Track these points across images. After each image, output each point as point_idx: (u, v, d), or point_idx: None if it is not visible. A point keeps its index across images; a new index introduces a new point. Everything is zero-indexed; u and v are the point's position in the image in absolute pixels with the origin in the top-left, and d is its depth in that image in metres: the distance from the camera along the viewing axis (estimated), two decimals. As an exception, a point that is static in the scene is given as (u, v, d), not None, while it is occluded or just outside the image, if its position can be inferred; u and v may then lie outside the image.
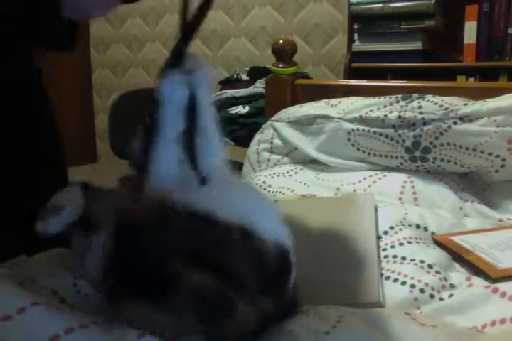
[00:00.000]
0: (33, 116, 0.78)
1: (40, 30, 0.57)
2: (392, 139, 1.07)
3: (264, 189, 1.12)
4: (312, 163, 1.22)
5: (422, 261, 0.71)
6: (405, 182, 1.03)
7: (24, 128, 0.76)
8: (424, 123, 1.03)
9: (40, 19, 0.55)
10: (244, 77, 2.25)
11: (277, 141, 1.28)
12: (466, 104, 1.02)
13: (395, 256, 0.74)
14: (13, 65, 0.73)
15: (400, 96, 1.13)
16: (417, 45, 1.90)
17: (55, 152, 0.84)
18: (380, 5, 1.92)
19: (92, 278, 0.52)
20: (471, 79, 1.87)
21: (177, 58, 0.49)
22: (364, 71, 1.99)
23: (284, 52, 1.44)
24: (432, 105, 1.04)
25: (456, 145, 1.00)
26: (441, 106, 1.03)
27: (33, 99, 0.79)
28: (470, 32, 1.85)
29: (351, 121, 1.13)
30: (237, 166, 1.44)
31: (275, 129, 1.28)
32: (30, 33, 0.56)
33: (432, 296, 0.65)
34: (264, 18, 2.57)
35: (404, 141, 1.05)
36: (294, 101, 1.39)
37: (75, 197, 0.52)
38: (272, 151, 1.29)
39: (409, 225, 0.85)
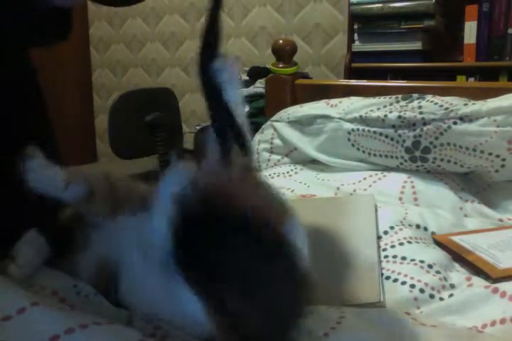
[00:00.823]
0: (28, 116, 0.78)
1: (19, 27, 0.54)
2: (392, 139, 1.07)
3: (264, 189, 1.12)
4: (312, 163, 1.22)
5: (422, 261, 0.71)
6: (405, 182, 1.03)
7: (20, 128, 0.76)
8: (424, 123, 1.03)
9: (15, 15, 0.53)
10: (244, 77, 2.25)
11: (277, 141, 1.28)
12: (466, 104, 1.02)
13: (395, 256, 0.74)
14: (10, 65, 0.73)
15: (400, 96, 1.13)
16: (416, 45, 1.90)
17: (51, 153, 0.84)
18: (380, 5, 1.91)
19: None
20: (471, 79, 1.87)
21: (207, 59, 0.48)
22: (364, 71, 1.98)
23: (284, 52, 1.44)
24: (432, 105, 1.04)
25: (456, 145, 1.00)
26: (441, 106, 1.03)
27: (29, 99, 0.79)
28: (470, 32, 1.85)
29: (351, 121, 1.13)
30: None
31: (275, 129, 1.28)
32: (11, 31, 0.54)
33: (431, 296, 0.65)
34: (264, 18, 2.57)
35: (404, 141, 1.05)
36: (294, 101, 1.39)
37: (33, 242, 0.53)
38: (271, 151, 1.29)
39: (410, 225, 0.85)
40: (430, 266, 0.70)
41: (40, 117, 0.82)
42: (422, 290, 0.65)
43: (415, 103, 1.07)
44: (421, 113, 1.04)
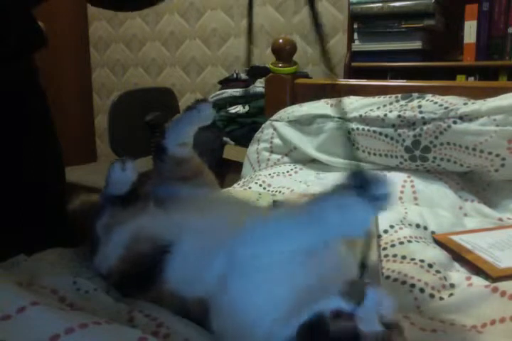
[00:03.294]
0: (30, 115, 0.78)
1: None
2: (392, 138, 1.07)
3: (264, 188, 1.12)
4: (312, 162, 1.22)
5: (422, 261, 0.71)
6: (405, 181, 1.03)
7: (22, 128, 0.76)
8: (424, 123, 1.03)
9: None
10: (244, 76, 2.25)
11: (277, 141, 1.28)
12: (465, 104, 1.02)
13: (395, 255, 0.74)
14: (13, 66, 0.73)
15: (399, 95, 1.13)
16: (416, 45, 1.90)
17: (53, 152, 0.84)
18: (380, 4, 1.91)
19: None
20: (471, 79, 1.87)
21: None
22: (364, 70, 1.98)
23: (284, 52, 1.44)
24: (431, 104, 1.04)
25: (456, 144, 1.00)
26: (441, 105, 1.03)
27: (31, 99, 0.79)
28: (470, 31, 1.85)
29: (351, 120, 1.13)
30: (237, 166, 1.44)
31: (275, 129, 1.28)
32: None
33: (432, 296, 0.65)
34: (264, 18, 2.57)
35: (404, 140, 1.05)
36: (294, 101, 1.39)
37: None
38: (271, 151, 1.29)
39: (409, 224, 0.85)
40: (430, 266, 0.70)
41: (41, 116, 0.82)
42: (422, 290, 0.65)
43: (415, 102, 1.07)
44: (421, 112, 1.04)
